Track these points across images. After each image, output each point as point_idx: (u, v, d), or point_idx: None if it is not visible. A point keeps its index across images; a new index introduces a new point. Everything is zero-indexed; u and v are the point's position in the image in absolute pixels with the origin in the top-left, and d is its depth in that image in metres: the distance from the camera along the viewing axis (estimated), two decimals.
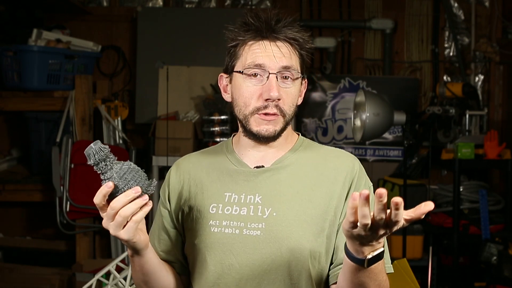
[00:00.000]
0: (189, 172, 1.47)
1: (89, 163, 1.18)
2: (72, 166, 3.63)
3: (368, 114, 3.28)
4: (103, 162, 1.18)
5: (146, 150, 4.14)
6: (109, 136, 4.04)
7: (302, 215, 1.35)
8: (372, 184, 1.45)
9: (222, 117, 3.91)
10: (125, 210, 1.16)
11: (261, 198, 1.37)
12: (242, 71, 1.37)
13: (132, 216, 1.18)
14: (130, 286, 2.37)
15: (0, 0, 4.02)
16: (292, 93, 1.37)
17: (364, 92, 3.37)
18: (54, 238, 4.22)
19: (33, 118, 3.98)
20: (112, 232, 1.19)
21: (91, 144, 1.18)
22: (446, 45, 4.55)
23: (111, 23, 4.48)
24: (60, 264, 3.95)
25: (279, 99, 1.34)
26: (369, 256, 1.12)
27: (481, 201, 3.84)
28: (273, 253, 1.33)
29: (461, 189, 3.90)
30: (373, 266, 1.15)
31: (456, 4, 4.51)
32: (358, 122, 3.39)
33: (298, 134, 1.49)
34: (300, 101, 1.44)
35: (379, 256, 1.14)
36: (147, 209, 1.19)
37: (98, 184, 1.18)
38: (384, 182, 3.99)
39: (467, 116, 4.04)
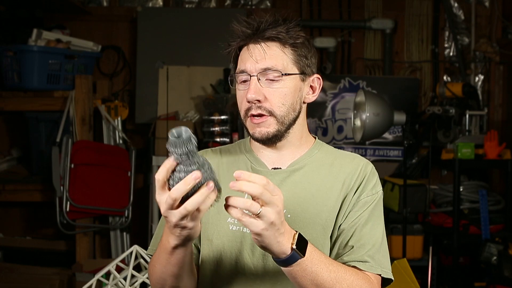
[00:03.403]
0: None
1: (168, 148, 1.09)
2: (72, 166, 3.63)
3: (368, 114, 3.28)
4: (184, 156, 1.08)
5: (146, 150, 4.14)
6: (109, 136, 4.04)
7: (316, 218, 1.36)
8: (381, 189, 1.44)
9: (222, 117, 3.91)
10: (191, 203, 1.09)
11: None
12: (234, 78, 1.39)
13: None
14: (130, 286, 2.37)
15: (0, 0, 4.02)
16: (279, 93, 1.35)
17: (364, 92, 3.37)
18: (54, 238, 4.22)
19: (33, 118, 3.98)
20: (173, 221, 1.12)
21: (182, 130, 1.08)
22: (446, 45, 4.55)
23: (111, 23, 4.47)
24: (60, 264, 3.95)
25: (258, 100, 1.34)
26: (294, 246, 1.16)
27: (481, 201, 3.84)
28: None
29: (461, 189, 3.90)
30: (309, 256, 1.18)
31: (456, 4, 4.51)
32: (358, 122, 3.39)
33: (315, 138, 1.49)
34: (309, 99, 1.43)
35: (302, 241, 1.18)
36: (213, 196, 1.12)
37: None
38: (384, 182, 3.99)
39: (467, 116, 4.04)
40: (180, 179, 1.08)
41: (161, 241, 1.27)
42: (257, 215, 1.11)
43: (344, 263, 1.32)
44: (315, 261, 1.20)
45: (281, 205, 1.13)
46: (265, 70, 1.34)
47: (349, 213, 1.38)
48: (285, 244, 1.15)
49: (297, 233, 1.19)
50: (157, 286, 1.35)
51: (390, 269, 1.38)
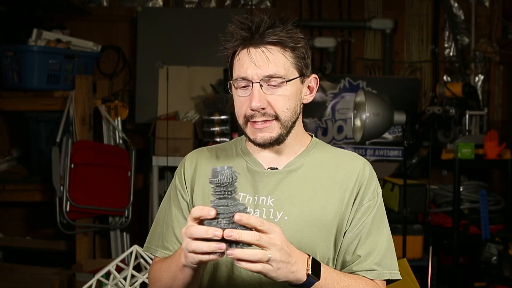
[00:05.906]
0: (202, 166, 1.45)
1: (211, 180, 1.12)
2: (72, 166, 3.62)
3: (368, 114, 3.28)
4: (223, 188, 1.11)
5: (146, 150, 4.14)
6: (109, 136, 4.03)
7: (313, 220, 1.35)
8: (380, 189, 1.44)
9: (222, 117, 3.91)
10: (196, 245, 1.10)
11: (274, 200, 1.36)
12: (232, 84, 1.37)
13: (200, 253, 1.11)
14: (130, 286, 2.37)
15: (0, 0, 4.02)
16: (283, 98, 1.33)
17: (364, 92, 3.37)
18: (54, 238, 4.22)
19: (33, 118, 3.98)
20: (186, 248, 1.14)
21: (225, 167, 1.12)
22: (446, 45, 4.55)
23: (111, 23, 4.47)
24: (60, 264, 3.95)
25: (263, 108, 1.32)
26: (310, 272, 1.16)
27: (481, 201, 3.84)
28: None
29: (461, 189, 3.90)
30: (323, 277, 1.19)
31: (456, 4, 4.51)
32: (358, 122, 3.39)
33: (311, 136, 1.48)
34: (307, 100, 1.41)
35: (315, 264, 1.18)
36: (213, 258, 1.11)
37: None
38: (384, 182, 3.99)
39: (467, 116, 4.03)
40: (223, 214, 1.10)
41: (175, 254, 1.29)
42: (267, 262, 1.10)
43: (353, 273, 1.35)
44: (328, 281, 1.22)
45: (280, 241, 1.12)
46: (268, 77, 1.31)
47: (352, 219, 1.38)
48: (300, 271, 1.16)
49: (310, 257, 1.19)
50: None
51: (397, 268, 1.40)
